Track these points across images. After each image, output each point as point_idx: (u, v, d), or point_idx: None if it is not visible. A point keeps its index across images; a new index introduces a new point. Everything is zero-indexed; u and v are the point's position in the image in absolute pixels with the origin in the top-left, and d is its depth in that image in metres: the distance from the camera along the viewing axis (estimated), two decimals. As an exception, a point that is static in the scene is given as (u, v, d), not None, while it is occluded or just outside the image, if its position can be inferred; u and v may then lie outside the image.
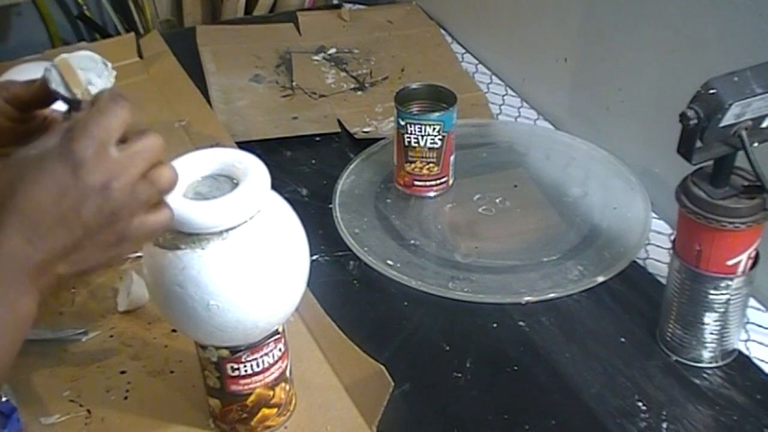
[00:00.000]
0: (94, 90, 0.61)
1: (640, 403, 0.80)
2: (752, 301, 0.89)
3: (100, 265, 0.56)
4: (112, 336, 0.87)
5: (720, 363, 0.83)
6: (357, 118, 1.24)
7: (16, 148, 0.59)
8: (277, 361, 0.73)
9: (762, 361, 0.84)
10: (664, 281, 0.87)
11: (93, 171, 0.52)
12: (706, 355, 0.83)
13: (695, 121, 0.70)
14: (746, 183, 0.76)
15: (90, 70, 0.62)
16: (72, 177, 0.52)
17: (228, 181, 0.67)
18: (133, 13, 2.03)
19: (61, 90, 0.61)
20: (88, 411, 0.79)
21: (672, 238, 0.88)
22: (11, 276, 0.52)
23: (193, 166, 0.67)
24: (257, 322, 0.68)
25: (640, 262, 0.97)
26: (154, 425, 0.77)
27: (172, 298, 0.65)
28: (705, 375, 0.83)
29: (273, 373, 0.73)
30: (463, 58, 1.42)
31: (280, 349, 0.73)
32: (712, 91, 0.69)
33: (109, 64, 0.63)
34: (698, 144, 0.72)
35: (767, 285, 0.88)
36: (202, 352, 0.72)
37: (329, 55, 1.43)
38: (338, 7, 1.60)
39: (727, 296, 0.79)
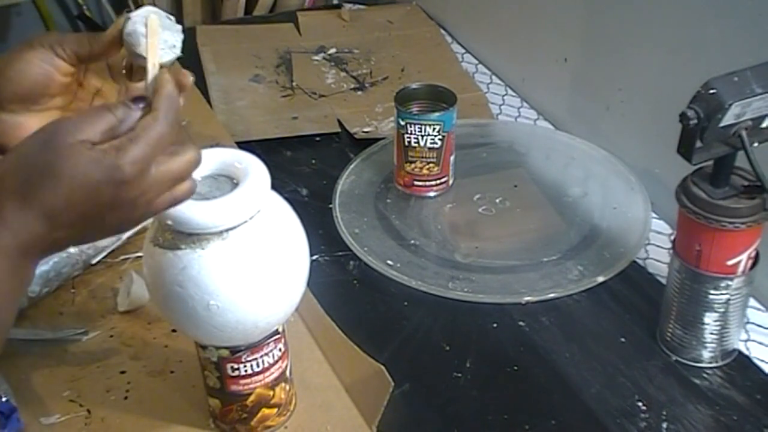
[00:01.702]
0: (166, 57, 0.59)
1: (640, 403, 0.80)
2: (752, 301, 0.89)
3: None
4: (112, 336, 0.87)
5: (720, 363, 0.83)
6: (357, 118, 1.24)
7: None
8: (277, 361, 0.73)
9: (762, 361, 0.84)
10: (664, 281, 0.87)
11: (131, 189, 0.54)
12: (706, 355, 0.83)
13: (695, 121, 0.70)
14: (746, 183, 0.76)
15: (166, 29, 0.60)
16: (109, 189, 0.54)
17: (228, 181, 0.67)
18: (133, 13, 2.03)
19: (141, 52, 0.59)
20: (88, 411, 0.79)
21: (672, 238, 0.88)
22: (23, 255, 0.54)
23: (193, 166, 0.67)
24: (257, 322, 0.68)
25: (640, 262, 0.97)
26: (154, 425, 0.77)
27: (172, 298, 0.65)
28: (705, 375, 0.83)
29: (273, 373, 0.73)
30: (463, 58, 1.42)
31: (280, 349, 0.73)
32: (712, 91, 0.69)
33: (179, 27, 0.61)
34: (698, 144, 0.72)
35: (767, 285, 0.88)
36: (202, 352, 0.72)
37: (329, 55, 1.43)
38: (338, 7, 1.60)
39: (727, 296, 0.79)
